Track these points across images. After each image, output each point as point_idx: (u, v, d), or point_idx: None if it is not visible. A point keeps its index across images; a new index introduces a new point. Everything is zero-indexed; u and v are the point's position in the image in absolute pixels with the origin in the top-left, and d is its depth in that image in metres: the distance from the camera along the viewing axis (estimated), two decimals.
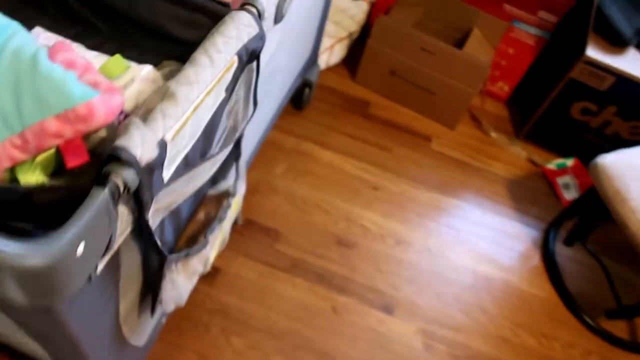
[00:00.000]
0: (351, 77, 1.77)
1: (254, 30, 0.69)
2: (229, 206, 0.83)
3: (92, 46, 0.81)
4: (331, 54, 1.72)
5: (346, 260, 1.35)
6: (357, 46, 1.76)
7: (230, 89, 0.70)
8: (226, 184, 0.89)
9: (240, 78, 0.72)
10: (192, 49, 0.74)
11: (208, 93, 0.61)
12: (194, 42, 0.78)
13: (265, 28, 0.73)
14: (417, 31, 1.54)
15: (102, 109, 0.58)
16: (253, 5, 0.71)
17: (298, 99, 1.59)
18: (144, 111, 0.58)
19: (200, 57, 0.61)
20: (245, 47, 0.67)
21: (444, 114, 1.66)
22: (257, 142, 1.33)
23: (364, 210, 1.45)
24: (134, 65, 0.69)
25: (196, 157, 0.69)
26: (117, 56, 0.66)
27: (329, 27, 1.69)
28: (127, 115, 0.64)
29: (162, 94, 0.58)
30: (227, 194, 0.85)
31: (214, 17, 0.75)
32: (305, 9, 1.14)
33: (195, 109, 0.59)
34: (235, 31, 0.66)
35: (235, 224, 1.35)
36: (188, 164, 0.66)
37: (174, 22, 0.77)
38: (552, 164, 1.61)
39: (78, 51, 0.70)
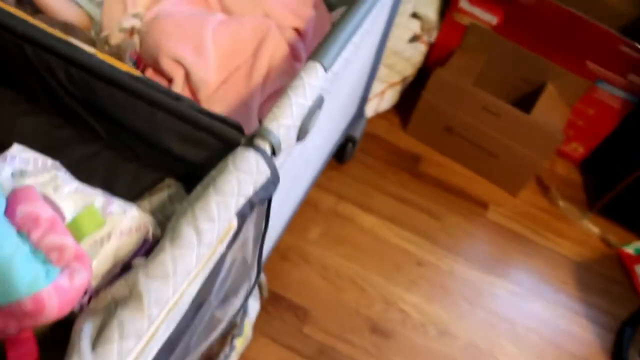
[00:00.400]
0: (402, 125, 1.59)
1: (263, 176, 0.55)
2: (232, 349, 0.69)
3: (86, 156, 0.69)
4: (381, 100, 1.55)
5: (379, 351, 1.20)
6: (412, 89, 1.58)
7: (231, 243, 0.56)
8: (235, 306, 0.76)
9: (246, 222, 0.58)
10: (200, 168, 0.61)
11: (191, 282, 0.47)
12: (197, 163, 0.65)
13: (280, 162, 0.59)
14: (479, 89, 1.34)
15: (55, 301, 0.46)
16: (265, 139, 0.56)
17: (340, 152, 1.44)
18: (109, 301, 0.45)
19: (184, 229, 0.48)
20: (249, 201, 0.53)
21: (505, 178, 1.46)
22: (289, 215, 1.19)
23: (405, 292, 1.29)
24: (115, 207, 0.56)
25: (185, 325, 0.56)
26: (92, 207, 0.53)
27: (381, 71, 1.52)
28: (96, 291, 0.52)
29: (131, 285, 0.45)
30: (234, 329, 0.72)
31: (221, 140, 0.61)
32: (349, 74, 0.98)
33: (171, 309, 0.46)
34: (237, 185, 0.52)
35: (259, 295, 1.23)
36: (173, 341, 0.53)
37: (175, 138, 0.64)
38: (631, 248, 1.38)
39: (58, 184, 0.58)
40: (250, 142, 0.56)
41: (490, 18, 1.45)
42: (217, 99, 0.80)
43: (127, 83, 0.62)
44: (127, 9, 0.84)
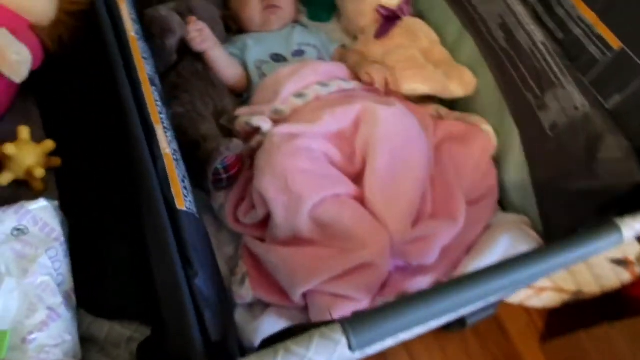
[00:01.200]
0: (543, 335, 1.27)
1: None
2: None
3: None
4: (535, 297, 1.25)
5: None
6: (582, 308, 1.24)
7: None
8: None
9: None
10: None
11: None
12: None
13: None
14: None
15: None
16: None
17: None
18: None
19: None
20: None
21: None
22: None
23: None
24: (41, 338, 0.49)
25: None
26: (4, 334, 0.47)
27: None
28: None
29: None
30: None
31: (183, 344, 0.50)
32: None
33: None
34: None
35: None
36: None
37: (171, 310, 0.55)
38: None
39: (29, 269, 0.53)
40: None
41: None
42: (275, 252, 0.69)
43: (157, 219, 0.54)
44: (275, 101, 0.76)
